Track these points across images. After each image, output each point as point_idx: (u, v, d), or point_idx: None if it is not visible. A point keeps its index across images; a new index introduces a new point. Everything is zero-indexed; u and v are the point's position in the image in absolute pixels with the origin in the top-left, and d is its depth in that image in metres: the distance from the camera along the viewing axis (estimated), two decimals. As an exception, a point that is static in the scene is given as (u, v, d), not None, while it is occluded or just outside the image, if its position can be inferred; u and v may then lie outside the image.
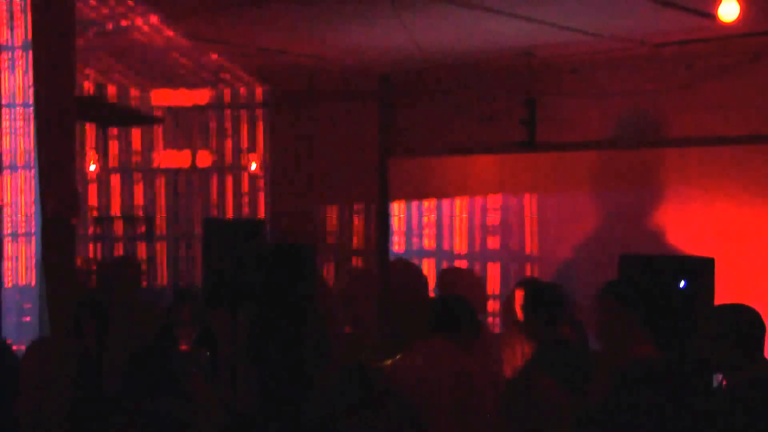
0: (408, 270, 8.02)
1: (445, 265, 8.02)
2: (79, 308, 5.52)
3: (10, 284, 4.86)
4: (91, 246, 8.98)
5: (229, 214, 8.87)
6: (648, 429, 3.45)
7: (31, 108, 4.16)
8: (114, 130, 9.18)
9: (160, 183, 9.52)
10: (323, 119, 8.47)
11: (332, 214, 8.52)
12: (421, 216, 8.34)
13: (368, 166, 8.26)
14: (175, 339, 6.29)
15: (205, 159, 9.40)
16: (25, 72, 4.33)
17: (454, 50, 6.97)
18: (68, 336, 4.06)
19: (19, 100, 5.05)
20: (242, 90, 8.71)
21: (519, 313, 6.26)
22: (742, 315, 3.97)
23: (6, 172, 5.15)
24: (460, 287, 7.77)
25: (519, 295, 6.27)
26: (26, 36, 4.21)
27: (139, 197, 9.46)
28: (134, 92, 9.13)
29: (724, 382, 4.27)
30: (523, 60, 7.06)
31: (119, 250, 9.23)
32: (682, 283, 5.77)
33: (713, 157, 6.63)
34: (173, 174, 9.56)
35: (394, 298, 7.84)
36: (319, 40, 6.77)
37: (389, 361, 5.22)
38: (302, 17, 6.10)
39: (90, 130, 8.92)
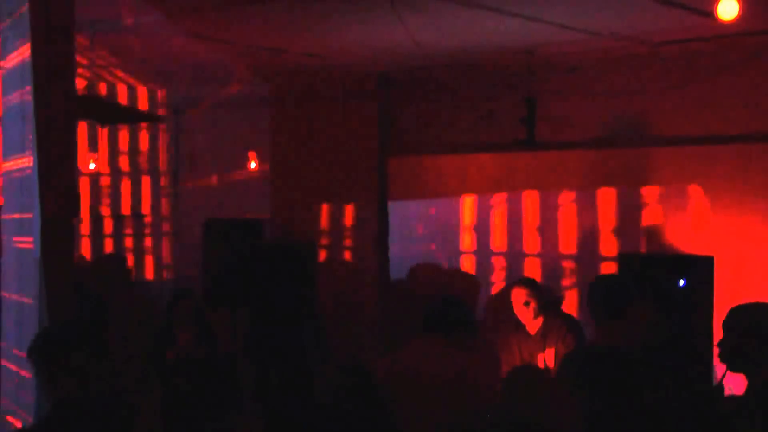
0: (433, 274, 8.00)
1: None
2: (78, 305, 5.54)
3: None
4: (89, 244, 8.99)
5: (230, 213, 8.88)
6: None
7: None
8: (114, 129, 9.19)
9: (161, 182, 9.54)
10: (323, 118, 8.47)
11: (332, 213, 8.52)
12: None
13: (368, 165, 8.26)
14: (174, 337, 6.30)
15: (205, 157, 9.42)
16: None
17: (454, 49, 6.97)
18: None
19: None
20: (242, 89, 8.70)
21: (516, 312, 6.28)
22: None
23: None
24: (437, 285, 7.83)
25: (516, 293, 6.29)
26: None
27: (139, 196, 9.48)
28: (135, 91, 9.14)
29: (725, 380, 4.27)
30: (523, 59, 7.06)
31: (118, 249, 9.24)
32: (681, 282, 5.78)
33: (713, 155, 6.63)
34: (174, 172, 9.58)
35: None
36: (319, 39, 6.77)
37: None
38: (302, 16, 6.11)
39: (89, 129, 8.93)
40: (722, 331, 3.90)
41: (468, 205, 7.94)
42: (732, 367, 3.87)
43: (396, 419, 4.38)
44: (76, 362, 3.26)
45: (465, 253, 7.94)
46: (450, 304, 5.12)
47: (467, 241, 7.93)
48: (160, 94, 9.28)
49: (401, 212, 8.20)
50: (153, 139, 9.45)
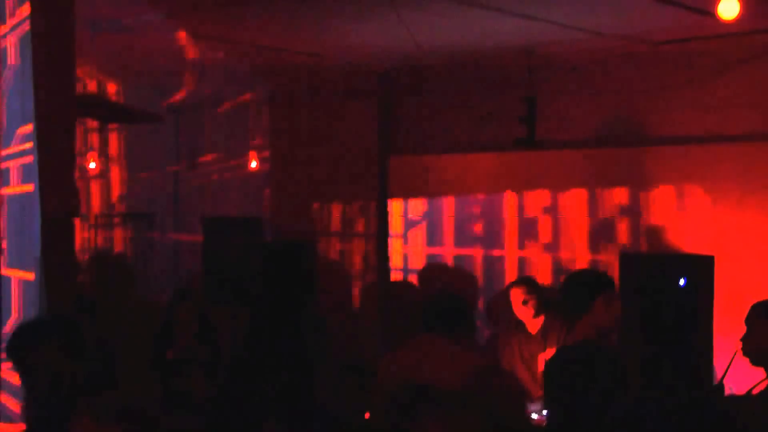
0: (447, 274, 7.97)
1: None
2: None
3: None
4: (88, 243, 8.98)
5: (229, 212, 8.88)
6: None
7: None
8: (114, 129, 9.19)
9: (161, 181, 9.53)
10: (323, 117, 8.47)
11: (332, 213, 8.52)
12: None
13: (368, 164, 8.26)
14: (174, 337, 6.29)
15: (205, 156, 9.41)
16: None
17: (454, 48, 6.97)
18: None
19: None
20: (242, 88, 8.71)
21: (516, 312, 6.28)
22: None
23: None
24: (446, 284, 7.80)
25: (515, 293, 6.29)
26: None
27: (139, 195, 9.47)
28: (135, 90, 9.13)
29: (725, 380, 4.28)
30: (523, 58, 7.05)
31: (118, 248, 9.23)
32: (682, 281, 5.77)
33: (713, 154, 6.63)
34: (174, 172, 9.57)
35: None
36: (320, 38, 6.77)
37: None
38: (302, 15, 6.10)
39: (90, 128, 8.92)
40: (746, 327, 3.96)
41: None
42: (755, 361, 3.93)
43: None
44: (46, 358, 3.17)
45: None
46: (448, 301, 5.09)
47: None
48: (160, 93, 9.27)
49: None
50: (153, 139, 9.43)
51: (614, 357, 3.23)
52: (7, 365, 4.48)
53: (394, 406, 3.96)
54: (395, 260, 8.30)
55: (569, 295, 4.56)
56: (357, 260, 8.40)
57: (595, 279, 4.65)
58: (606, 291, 4.46)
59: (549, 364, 3.31)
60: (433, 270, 8.04)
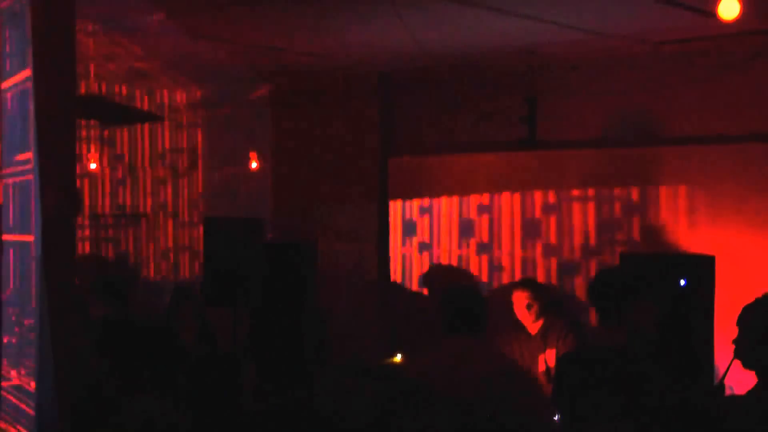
0: (451, 275, 7.97)
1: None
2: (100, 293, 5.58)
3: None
4: (89, 243, 8.98)
5: (230, 212, 8.87)
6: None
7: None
8: (115, 129, 9.19)
9: (161, 181, 9.54)
10: (324, 117, 8.47)
11: (332, 213, 8.51)
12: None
13: (368, 165, 8.26)
14: (174, 337, 6.30)
15: (205, 156, 9.41)
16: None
17: (455, 48, 6.97)
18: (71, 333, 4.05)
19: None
20: (242, 88, 8.70)
21: (518, 314, 6.29)
22: None
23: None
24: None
25: (517, 296, 6.29)
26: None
27: (140, 195, 9.47)
28: (136, 90, 9.14)
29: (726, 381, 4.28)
30: (524, 58, 7.05)
31: (119, 248, 9.24)
32: (682, 281, 5.78)
33: (713, 155, 6.63)
34: (174, 171, 9.57)
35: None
36: (320, 38, 6.77)
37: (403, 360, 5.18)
38: (303, 15, 6.10)
39: (90, 128, 8.92)
40: (737, 329, 3.92)
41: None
42: (747, 364, 3.90)
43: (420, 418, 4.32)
44: None
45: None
46: (468, 300, 4.99)
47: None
48: (161, 94, 9.28)
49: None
50: (153, 139, 9.44)
51: (629, 361, 3.23)
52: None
53: (394, 406, 3.96)
54: (396, 261, 8.31)
55: (609, 293, 4.47)
56: (357, 261, 8.40)
57: (632, 282, 4.57)
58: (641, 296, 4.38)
59: (561, 364, 3.31)
60: (436, 271, 8.05)
